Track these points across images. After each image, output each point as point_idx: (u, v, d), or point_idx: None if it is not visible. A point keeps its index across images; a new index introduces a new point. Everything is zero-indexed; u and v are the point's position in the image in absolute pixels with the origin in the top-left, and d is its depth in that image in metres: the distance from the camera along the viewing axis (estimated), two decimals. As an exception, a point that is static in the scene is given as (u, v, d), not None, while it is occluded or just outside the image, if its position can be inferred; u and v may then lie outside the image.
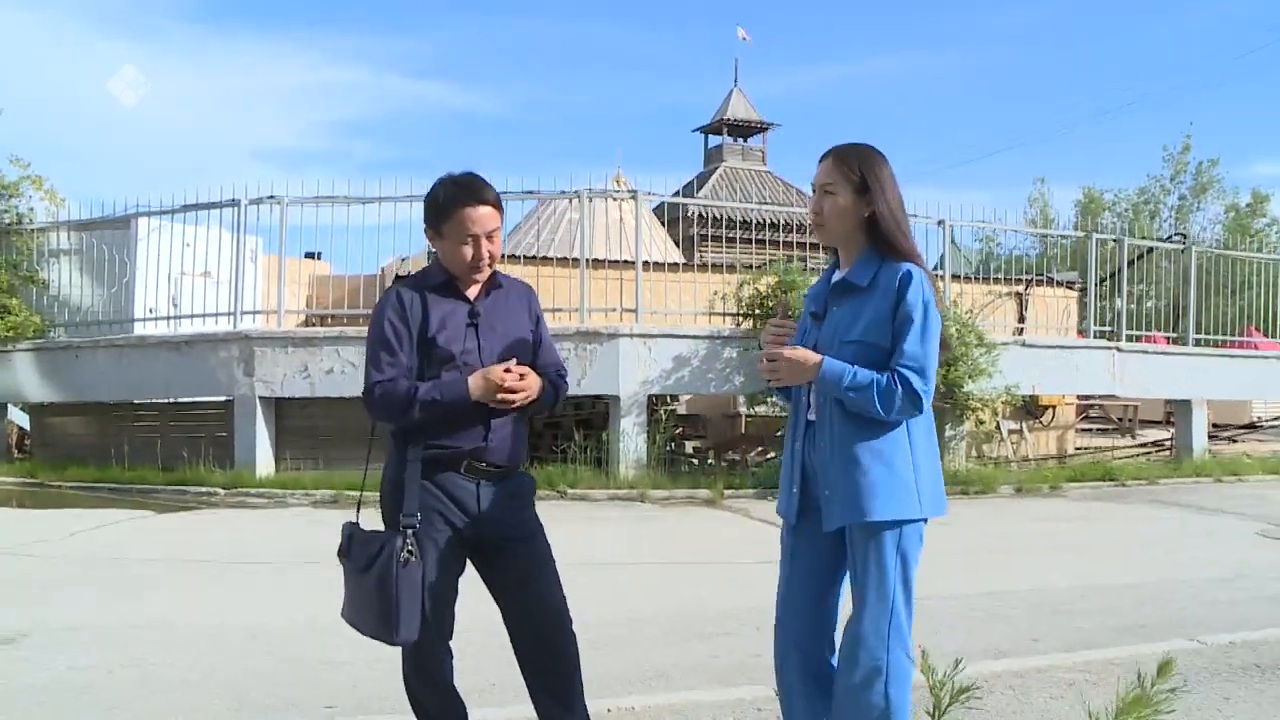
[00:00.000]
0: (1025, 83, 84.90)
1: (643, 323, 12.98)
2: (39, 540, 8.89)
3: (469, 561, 3.24)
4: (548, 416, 14.18)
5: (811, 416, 3.02)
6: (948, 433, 13.40)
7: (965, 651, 5.01)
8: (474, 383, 3.07)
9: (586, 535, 9.61)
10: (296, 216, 13.54)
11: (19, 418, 15.41)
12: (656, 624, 5.92)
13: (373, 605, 3.03)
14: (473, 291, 3.23)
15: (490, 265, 3.20)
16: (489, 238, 3.15)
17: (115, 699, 4.41)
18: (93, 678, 4.74)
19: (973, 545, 8.81)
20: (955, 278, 15.35)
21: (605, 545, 8.83)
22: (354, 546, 3.11)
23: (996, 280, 16.13)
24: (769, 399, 13.21)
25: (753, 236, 23.92)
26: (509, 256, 14.31)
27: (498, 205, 3.17)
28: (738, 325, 13.29)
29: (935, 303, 2.93)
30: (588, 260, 13.13)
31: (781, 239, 18.29)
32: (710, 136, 36.04)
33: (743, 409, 15.83)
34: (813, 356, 2.91)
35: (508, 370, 3.08)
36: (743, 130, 35.57)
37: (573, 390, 12.67)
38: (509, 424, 3.19)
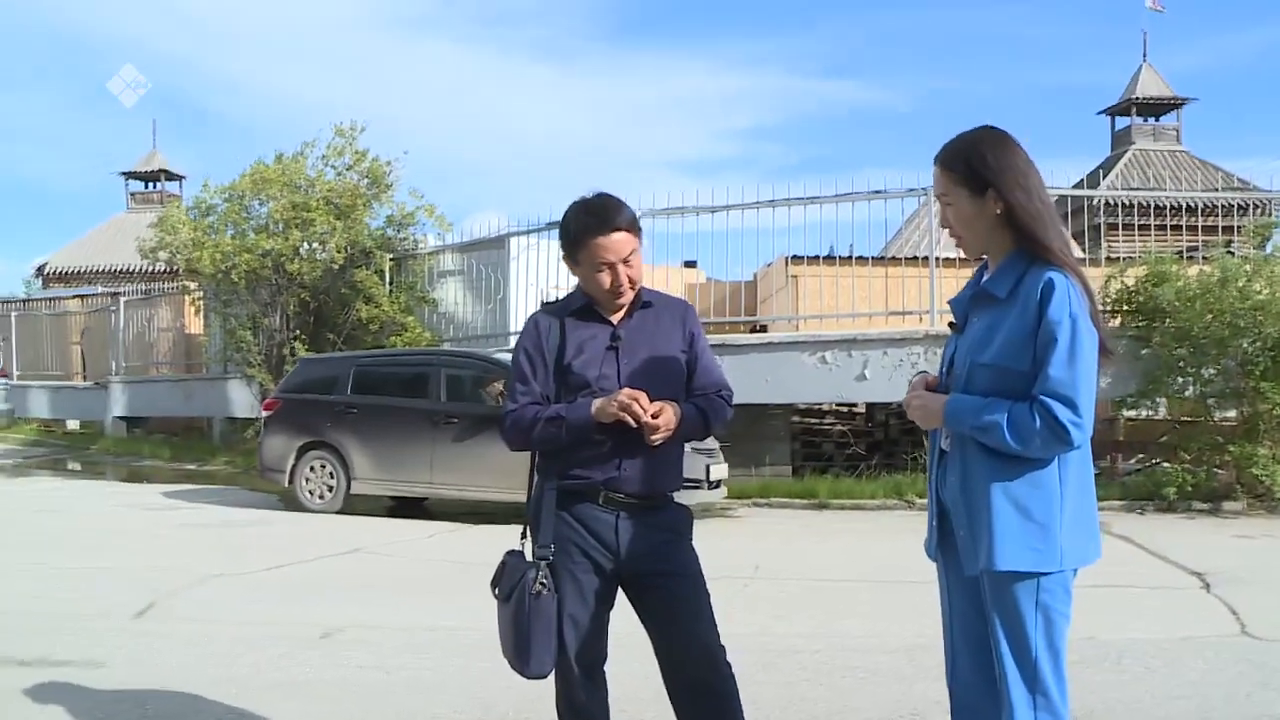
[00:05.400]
0: None
1: (998, 323, 12.21)
2: (400, 540, 9.77)
3: (620, 592, 3.14)
4: (904, 423, 13.69)
5: (945, 446, 2.67)
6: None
7: None
8: (596, 401, 2.97)
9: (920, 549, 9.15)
10: (663, 226, 13.97)
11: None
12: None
13: (509, 636, 3.02)
14: (617, 315, 3.13)
15: (631, 289, 3.09)
16: (625, 262, 3.04)
17: (383, 699, 4.73)
18: (374, 678, 5.10)
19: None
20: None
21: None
22: (503, 577, 3.10)
23: None
24: (1146, 401, 12.07)
25: (1166, 223, 21.85)
26: (857, 259, 13.96)
27: (632, 228, 3.05)
28: (1108, 323, 12.18)
29: (1088, 315, 2.49)
30: (938, 260, 12.56)
31: (1200, 223, 16.53)
32: (1117, 118, 33.53)
33: (1125, 412, 14.48)
34: (936, 403, 2.61)
35: (633, 397, 2.94)
36: (1153, 109, 32.79)
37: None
38: (648, 454, 3.04)
